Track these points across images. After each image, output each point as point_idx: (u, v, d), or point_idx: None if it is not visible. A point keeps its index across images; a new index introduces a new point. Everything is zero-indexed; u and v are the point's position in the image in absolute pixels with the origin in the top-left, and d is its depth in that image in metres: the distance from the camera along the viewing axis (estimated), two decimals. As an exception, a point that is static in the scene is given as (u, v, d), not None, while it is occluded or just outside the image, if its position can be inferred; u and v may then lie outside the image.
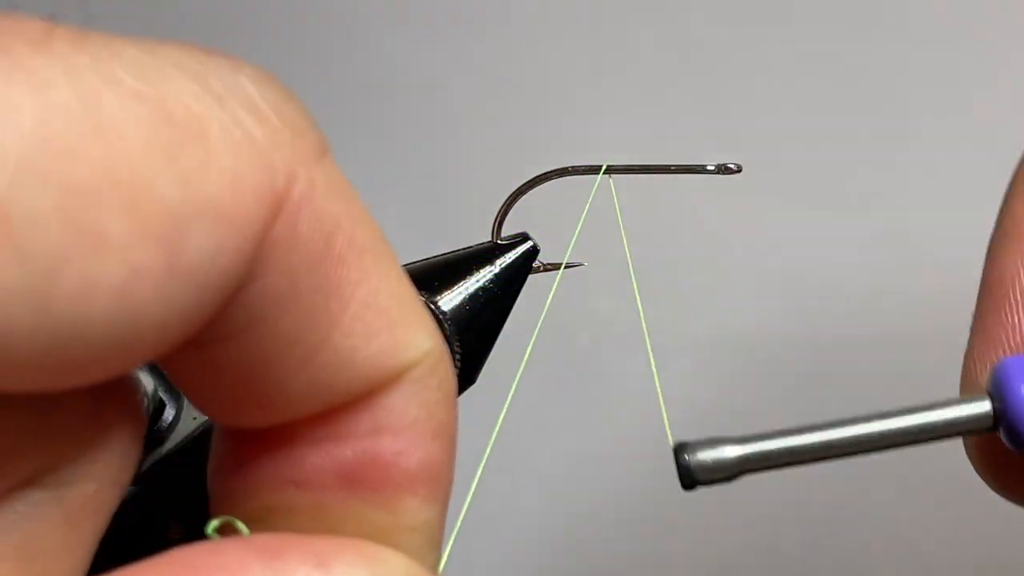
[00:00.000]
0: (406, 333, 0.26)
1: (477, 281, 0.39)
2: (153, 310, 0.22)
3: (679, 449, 0.30)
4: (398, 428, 0.26)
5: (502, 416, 0.32)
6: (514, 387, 0.34)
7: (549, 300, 0.41)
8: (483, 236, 0.40)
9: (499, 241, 0.40)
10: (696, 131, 0.80)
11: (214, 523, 0.27)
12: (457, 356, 0.37)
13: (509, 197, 0.40)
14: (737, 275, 0.79)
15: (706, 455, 0.30)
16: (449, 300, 0.38)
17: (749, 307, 0.79)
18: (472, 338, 0.38)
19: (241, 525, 0.26)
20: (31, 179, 0.20)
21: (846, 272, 0.78)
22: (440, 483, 0.28)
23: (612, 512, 0.81)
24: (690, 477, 0.30)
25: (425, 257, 0.40)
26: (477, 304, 0.39)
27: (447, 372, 0.27)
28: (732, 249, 0.79)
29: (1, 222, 0.19)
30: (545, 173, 0.40)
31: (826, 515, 0.79)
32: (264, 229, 0.23)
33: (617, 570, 0.82)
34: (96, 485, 0.27)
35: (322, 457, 0.26)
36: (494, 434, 0.36)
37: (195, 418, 0.40)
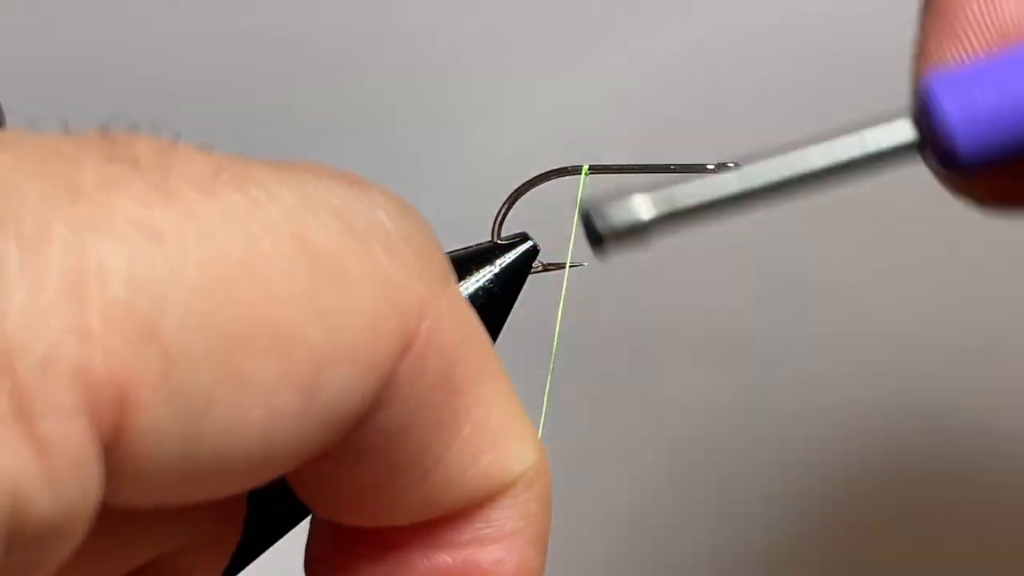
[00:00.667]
0: (512, 449, 0.27)
1: (477, 281, 0.39)
2: (286, 446, 0.22)
3: (588, 211, 0.28)
4: (498, 538, 0.27)
5: (541, 422, 0.32)
6: (545, 394, 0.34)
7: (561, 303, 0.41)
8: (483, 236, 0.40)
9: (499, 241, 0.40)
10: (697, 131, 0.80)
11: None
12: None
13: (509, 197, 0.40)
14: (737, 275, 0.79)
15: (616, 212, 0.28)
16: (449, 300, 0.38)
17: (749, 307, 0.79)
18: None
19: None
20: (192, 323, 0.21)
21: (846, 271, 0.78)
22: None
23: (612, 511, 0.81)
24: (598, 237, 0.28)
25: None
26: (477, 304, 0.39)
27: (547, 483, 0.29)
28: (732, 249, 0.79)
29: (164, 364, 0.20)
30: (545, 173, 0.40)
31: (824, 514, 0.79)
32: (395, 367, 0.23)
33: (617, 570, 0.82)
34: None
35: (422, 562, 0.27)
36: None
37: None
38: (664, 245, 0.79)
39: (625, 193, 0.28)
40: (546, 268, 0.41)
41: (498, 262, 0.39)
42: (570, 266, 0.41)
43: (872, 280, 0.78)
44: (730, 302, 0.79)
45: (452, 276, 0.26)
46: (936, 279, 0.78)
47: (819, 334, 0.78)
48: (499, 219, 0.40)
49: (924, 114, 0.29)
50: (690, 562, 0.79)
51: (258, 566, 0.41)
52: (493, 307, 0.39)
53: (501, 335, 0.40)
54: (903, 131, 0.29)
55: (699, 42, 0.80)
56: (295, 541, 0.41)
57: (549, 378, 0.42)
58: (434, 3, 0.83)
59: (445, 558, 0.27)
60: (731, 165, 0.38)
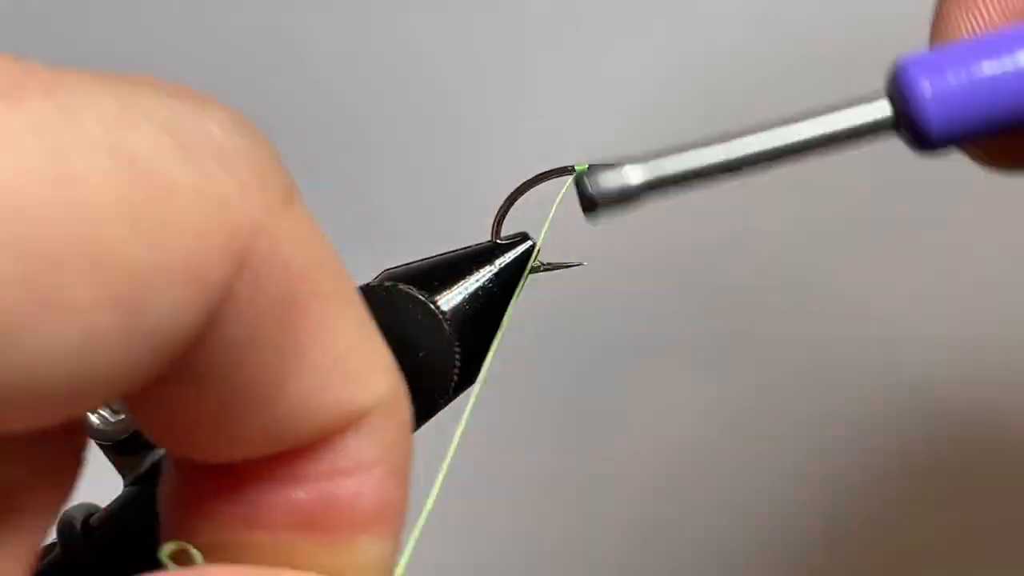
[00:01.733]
0: (364, 378, 0.26)
1: (477, 281, 0.39)
2: (109, 367, 0.21)
3: (580, 177, 0.30)
4: (354, 471, 0.26)
5: (460, 430, 0.32)
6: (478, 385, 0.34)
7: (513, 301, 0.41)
8: (483, 236, 0.40)
9: (499, 241, 0.40)
10: (698, 129, 0.79)
11: (168, 548, 0.26)
12: (456, 356, 0.37)
13: (509, 196, 0.40)
14: (737, 274, 0.79)
15: (607, 178, 0.30)
16: (448, 300, 0.38)
17: (751, 307, 0.79)
18: (471, 338, 0.38)
19: (196, 553, 0.26)
20: None
21: (847, 272, 0.78)
22: (394, 521, 0.28)
23: (613, 512, 0.81)
24: (591, 202, 0.30)
25: (425, 257, 0.40)
26: (476, 304, 0.39)
27: (404, 414, 0.28)
28: (732, 248, 0.79)
29: None
30: (545, 172, 0.40)
31: (827, 514, 0.78)
32: (228, 286, 0.23)
33: (617, 571, 0.82)
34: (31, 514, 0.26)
35: (277, 498, 0.26)
36: (457, 433, 0.37)
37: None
38: (665, 245, 0.79)
39: (617, 161, 0.30)
40: (546, 268, 0.41)
41: (498, 262, 0.39)
42: (570, 266, 0.41)
43: (873, 280, 0.78)
44: (731, 302, 0.79)
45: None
46: (938, 278, 0.78)
47: (820, 334, 0.78)
48: (499, 218, 0.40)
49: (899, 95, 0.30)
50: (691, 561, 0.79)
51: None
52: (493, 307, 0.39)
53: (501, 335, 0.40)
54: (881, 110, 0.30)
55: (698, 39, 0.80)
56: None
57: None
58: (435, 9, 0.83)
59: (301, 493, 0.26)
60: (731, 164, 0.38)
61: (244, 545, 0.26)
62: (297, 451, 0.26)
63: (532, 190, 0.40)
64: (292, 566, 0.26)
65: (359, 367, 0.26)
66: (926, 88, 0.29)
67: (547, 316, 0.76)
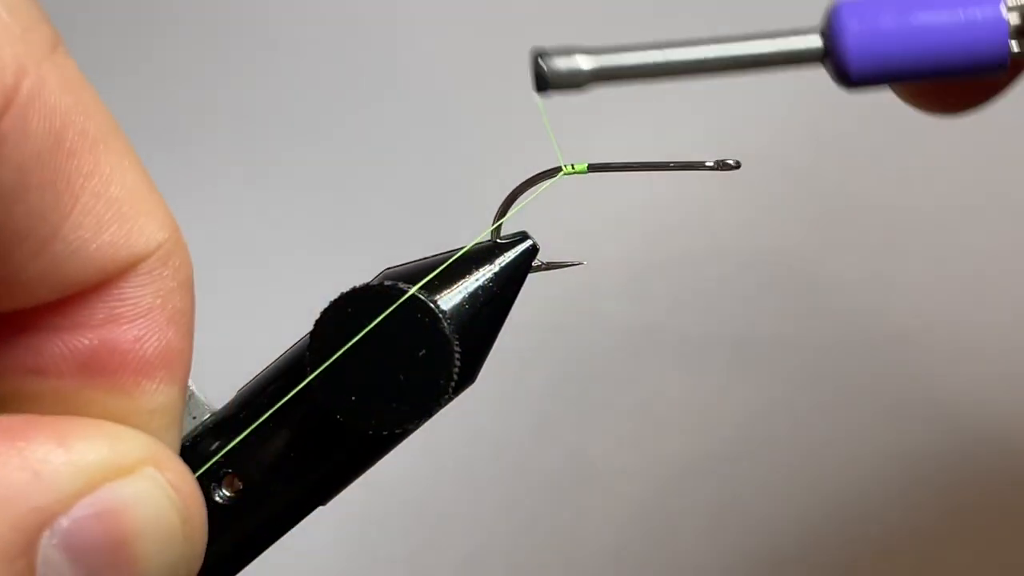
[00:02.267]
0: (139, 224, 0.27)
1: (476, 280, 0.39)
2: None
3: (537, 56, 0.32)
4: (134, 316, 0.27)
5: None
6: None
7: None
8: (483, 235, 0.40)
9: (498, 240, 0.40)
10: (698, 129, 0.80)
11: None
12: (457, 355, 0.37)
13: (508, 196, 0.40)
14: (737, 274, 0.79)
15: (560, 62, 0.32)
16: (449, 299, 0.38)
17: (749, 306, 0.79)
18: (472, 337, 0.38)
19: None
20: None
21: (846, 271, 0.78)
22: (177, 367, 0.29)
23: (612, 512, 0.81)
24: (544, 80, 0.32)
25: (425, 257, 0.40)
26: (477, 303, 0.39)
27: (182, 261, 0.28)
28: (732, 248, 0.79)
29: None
30: (544, 172, 0.40)
31: (828, 514, 0.79)
32: None
33: (616, 569, 0.82)
34: None
35: (60, 346, 0.27)
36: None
37: (195, 417, 0.40)
38: (665, 245, 0.78)
39: (570, 49, 0.32)
40: (546, 267, 0.41)
41: (498, 262, 0.39)
42: (570, 266, 0.41)
43: (873, 280, 0.78)
44: (730, 302, 0.79)
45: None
46: (938, 276, 0.78)
47: (820, 334, 0.78)
48: (499, 218, 0.40)
49: (829, 30, 0.33)
50: (691, 561, 0.79)
51: (258, 566, 0.41)
52: (493, 307, 0.39)
53: (501, 335, 0.40)
54: (813, 42, 0.34)
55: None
56: (296, 541, 0.41)
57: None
58: (437, 11, 0.83)
59: (83, 340, 0.27)
60: (731, 163, 0.39)
61: (30, 394, 0.27)
62: (77, 298, 0.27)
63: (530, 191, 0.40)
64: (79, 413, 0.27)
65: (133, 213, 0.26)
66: (853, 27, 0.32)
67: (547, 316, 0.76)
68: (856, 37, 0.32)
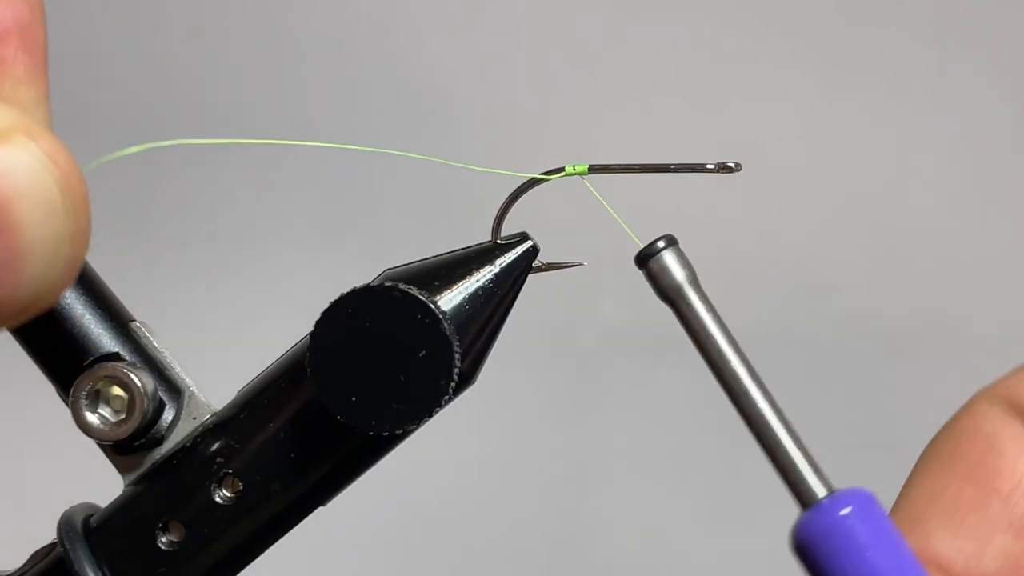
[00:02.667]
0: None
1: (477, 281, 0.39)
2: None
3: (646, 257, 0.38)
4: None
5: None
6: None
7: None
8: (483, 236, 0.40)
9: (499, 241, 0.40)
10: (698, 129, 0.80)
11: None
12: (457, 356, 0.37)
13: (509, 197, 0.40)
14: (737, 275, 0.79)
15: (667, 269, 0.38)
16: (449, 300, 0.38)
17: (749, 306, 0.79)
18: (472, 338, 0.38)
19: None
20: None
21: (846, 271, 0.78)
22: (31, 36, 0.29)
23: (612, 511, 0.81)
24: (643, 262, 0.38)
25: (425, 257, 0.40)
26: (477, 304, 0.39)
27: None
28: (732, 248, 0.79)
29: None
30: (543, 173, 0.40)
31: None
32: None
33: (618, 568, 0.82)
34: None
35: None
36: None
37: (195, 418, 0.40)
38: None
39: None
40: (546, 267, 0.41)
41: (498, 262, 0.39)
42: (570, 266, 0.41)
43: (874, 280, 0.78)
44: (731, 302, 0.79)
45: None
46: (938, 277, 0.78)
47: (820, 334, 0.78)
48: (499, 219, 0.40)
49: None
50: (691, 560, 0.79)
51: (259, 565, 0.41)
52: (493, 307, 0.39)
53: (501, 335, 0.40)
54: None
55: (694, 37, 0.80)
56: (295, 542, 0.41)
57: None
58: (437, 4, 0.83)
59: None
60: (732, 165, 0.39)
61: None
62: None
63: (532, 190, 0.40)
64: None
65: None
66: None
67: (547, 316, 0.76)
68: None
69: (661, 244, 0.38)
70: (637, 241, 0.39)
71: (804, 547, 0.36)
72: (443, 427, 0.41)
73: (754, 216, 0.78)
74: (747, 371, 0.39)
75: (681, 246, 0.39)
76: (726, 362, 0.39)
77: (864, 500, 0.37)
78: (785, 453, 0.38)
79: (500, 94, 0.82)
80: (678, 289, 0.38)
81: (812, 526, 0.36)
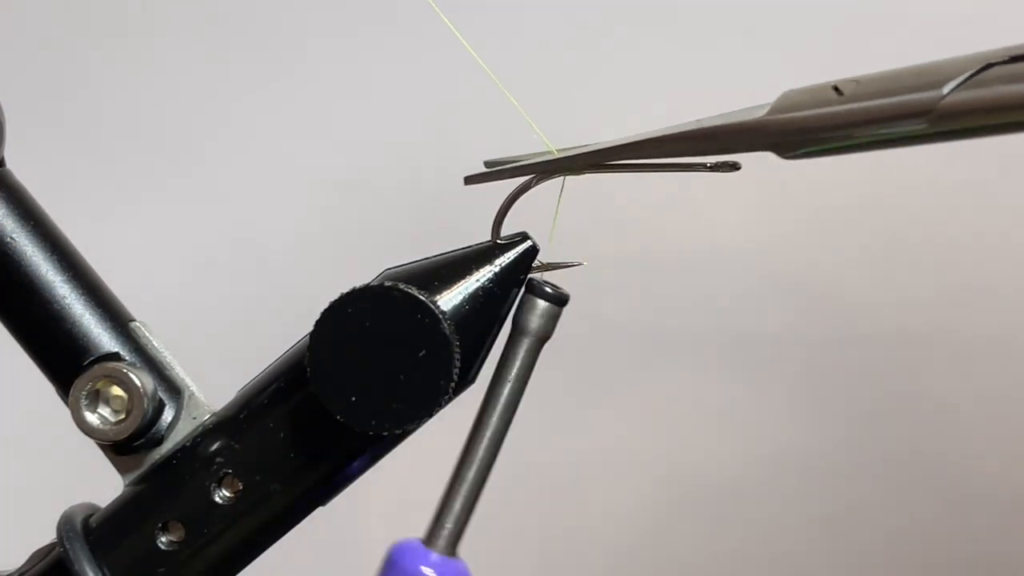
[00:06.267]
0: None
1: (477, 281, 0.39)
2: None
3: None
4: None
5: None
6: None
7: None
8: (483, 236, 0.40)
9: (499, 241, 0.40)
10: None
11: None
12: (456, 355, 0.37)
13: (508, 197, 0.40)
14: (737, 275, 0.79)
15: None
16: (448, 300, 0.38)
17: (749, 306, 0.79)
18: (471, 337, 0.38)
19: None
20: None
21: (846, 271, 0.78)
22: None
23: (612, 511, 0.81)
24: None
25: (425, 257, 0.40)
26: (477, 303, 0.39)
27: None
28: (732, 248, 0.79)
29: None
30: (543, 173, 0.40)
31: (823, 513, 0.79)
32: None
33: (616, 570, 0.82)
34: None
35: None
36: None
37: (194, 418, 0.40)
38: (665, 246, 0.78)
39: None
40: (546, 267, 0.41)
41: (498, 262, 0.39)
42: (570, 266, 0.41)
43: (873, 280, 0.78)
44: (730, 302, 0.79)
45: None
46: (937, 277, 0.78)
47: (820, 334, 0.78)
48: (498, 219, 0.40)
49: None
50: (691, 559, 0.79)
51: (258, 566, 0.41)
52: (493, 307, 0.39)
53: (501, 335, 0.40)
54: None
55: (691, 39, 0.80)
56: (295, 541, 0.41)
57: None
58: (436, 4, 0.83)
59: None
60: (731, 164, 0.39)
61: None
62: None
63: (532, 190, 0.40)
64: None
65: None
66: None
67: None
68: None
69: (549, 290, 0.40)
70: (583, 261, 0.41)
71: (391, 562, 0.40)
72: (443, 427, 0.41)
73: (753, 216, 0.78)
74: (496, 434, 0.41)
75: (567, 307, 0.40)
76: (493, 415, 0.40)
77: None
78: (462, 498, 0.41)
79: (500, 94, 0.82)
80: (523, 332, 0.40)
81: (407, 556, 0.40)
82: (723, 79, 0.78)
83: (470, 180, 0.41)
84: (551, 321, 0.40)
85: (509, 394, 0.40)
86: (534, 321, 0.40)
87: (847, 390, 0.78)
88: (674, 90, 0.79)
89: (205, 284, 0.83)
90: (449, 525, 0.40)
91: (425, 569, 0.39)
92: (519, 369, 0.40)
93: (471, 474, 0.40)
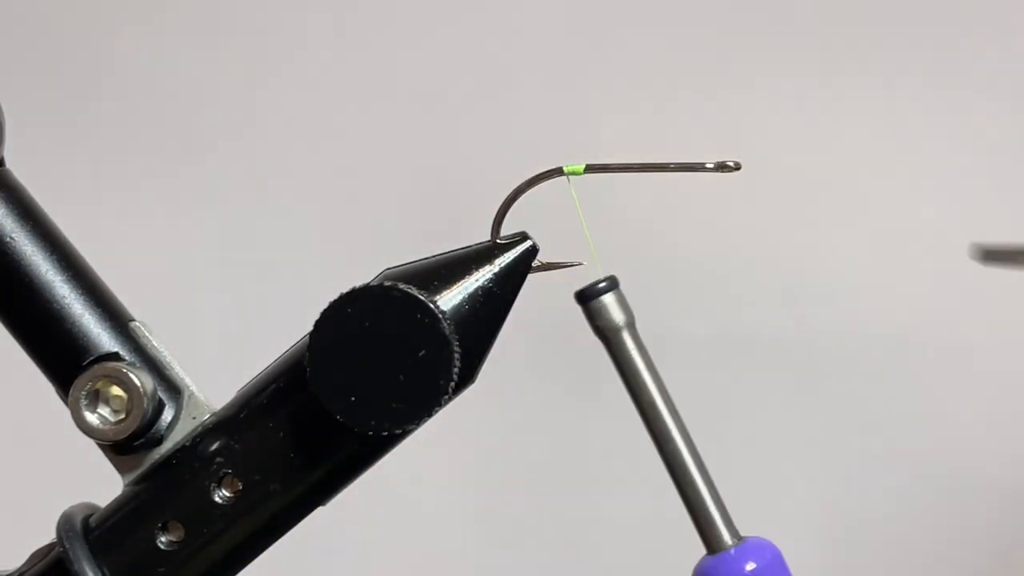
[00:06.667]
0: None
1: (476, 280, 0.39)
2: None
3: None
4: None
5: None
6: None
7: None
8: (482, 235, 0.40)
9: (498, 240, 0.40)
10: (697, 129, 0.80)
11: None
12: (456, 355, 0.36)
13: (508, 196, 0.40)
14: (737, 275, 0.79)
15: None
16: (448, 299, 0.38)
17: (750, 307, 0.79)
18: (471, 337, 0.38)
19: None
20: None
21: (846, 272, 0.78)
22: None
23: (613, 511, 0.81)
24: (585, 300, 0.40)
25: (425, 256, 0.40)
26: (476, 303, 0.39)
27: None
28: (732, 248, 0.79)
29: None
30: (542, 173, 0.40)
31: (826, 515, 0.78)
32: None
33: (615, 570, 0.82)
34: None
35: None
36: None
37: (194, 417, 0.40)
38: (665, 246, 0.78)
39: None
40: (546, 267, 0.40)
41: (497, 261, 0.39)
42: (570, 266, 0.41)
43: (873, 280, 0.78)
44: (730, 302, 0.79)
45: None
46: (937, 278, 0.78)
47: (819, 333, 0.78)
48: (498, 218, 0.40)
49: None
50: (691, 559, 0.79)
51: (258, 565, 0.41)
52: (493, 307, 0.39)
53: (501, 334, 0.40)
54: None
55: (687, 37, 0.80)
56: (295, 541, 0.41)
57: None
58: (436, 4, 0.83)
59: None
60: (731, 164, 0.39)
61: None
62: None
63: (531, 190, 0.40)
64: None
65: None
66: None
67: (547, 316, 0.76)
68: None
69: (603, 285, 0.39)
70: (597, 263, 0.40)
71: None
72: (442, 426, 0.41)
73: (753, 216, 0.78)
74: (672, 418, 0.41)
75: (622, 289, 0.40)
76: (655, 408, 0.40)
77: (771, 556, 0.39)
78: (699, 497, 0.40)
79: (499, 91, 0.82)
80: (615, 332, 0.39)
81: (715, 571, 0.38)
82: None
83: (987, 257, 0.41)
84: (623, 304, 0.40)
85: (654, 387, 0.40)
86: (614, 315, 0.40)
87: (847, 390, 0.78)
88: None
89: (205, 284, 0.83)
90: (714, 519, 0.40)
91: (748, 566, 0.39)
92: (640, 361, 0.40)
93: (689, 467, 0.41)
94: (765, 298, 0.79)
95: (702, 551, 0.41)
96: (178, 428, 0.40)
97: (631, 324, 0.40)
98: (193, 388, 0.40)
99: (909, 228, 0.78)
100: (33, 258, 0.40)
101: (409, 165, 0.82)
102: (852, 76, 0.78)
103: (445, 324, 0.36)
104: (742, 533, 0.41)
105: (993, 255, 0.41)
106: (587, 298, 0.39)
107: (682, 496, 0.40)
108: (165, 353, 0.41)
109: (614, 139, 0.79)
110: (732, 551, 0.39)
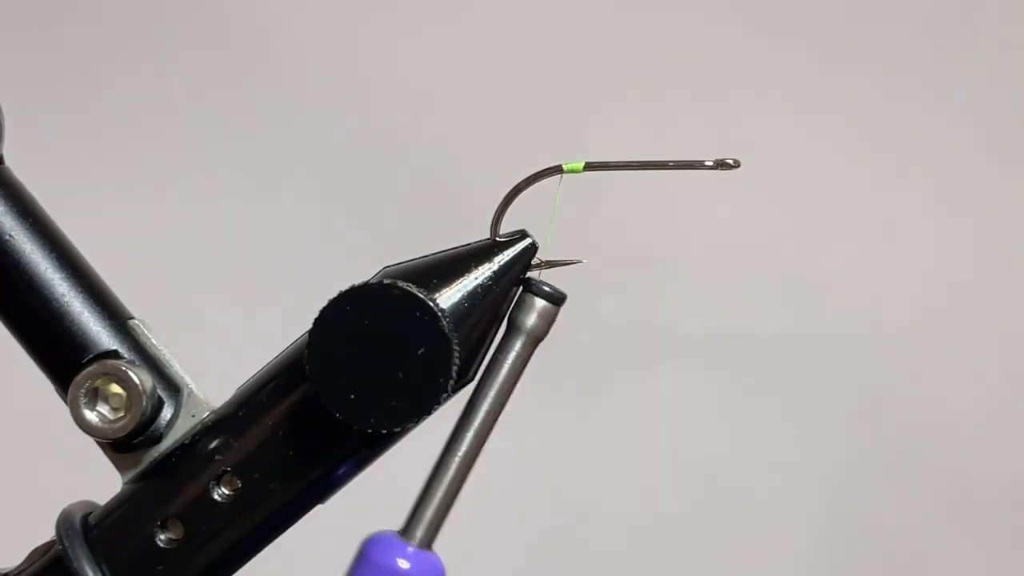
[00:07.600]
0: None
1: (476, 278, 0.39)
2: None
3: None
4: None
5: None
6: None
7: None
8: (482, 233, 0.40)
9: (498, 238, 0.40)
10: (697, 129, 0.80)
11: None
12: (456, 353, 0.36)
13: (508, 194, 0.40)
14: (737, 275, 0.79)
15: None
16: (447, 297, 0.38)
17: (749, 307, 0.79)
18: (470, 335, 0.38)
19: None
20: None
21: (846, 271, 0.78)
22: None
23: (613, 512, 0.81)
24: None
25: (424, 254, 0.40)
26: (476, 301, 0.39)
27: None
28: (732, 248, 0.79)
29: None
30: (542, 171, 0.40)
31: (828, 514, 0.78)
32: None
33: (616, 570, 0.82)
34: None
35: None
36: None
37: (193, 415, 0.40)
38: (665, 246, 0.78)
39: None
40: (546, 265, 0.40)
41: (497, 259, 0.39)
42: (570, 264, 0.41)
43: (872, 280, 0.78)
44: (730, 302, 0.79)
45: None
46: (936, 278, 0.78)
47: (819, 334, 0.78)
48: (497, 216, 0.40)
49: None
50: (691, 560, 0.79)
51: (258, 564, 0.41)
52: (492, 304, 0.39)
53: (500, 334, 0.40)
54: None
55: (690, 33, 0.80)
56: (295, 541, 0.41)
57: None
58: (436, 4, 0.83)
59: None
60: (731, 162, 0.38)
61: None
62: None
63: (527, 189, 0.40)
64: None
65: None
66: None
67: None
68: None
69: (552, 293, 0.39)
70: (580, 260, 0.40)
71: (365, 554, 0.39)
72: (442, 426, 0.41)
73: (753, 214, 0.78)
74: (483, 434, 0.40)
75: (565, 307, 0.40)
76: (483, 417, 0.40)
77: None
78: (442, 497, 0.40)
79: (498, 91, 0.82)
80: (522, 334, 0.39)
81: (385, 547, 0.39)
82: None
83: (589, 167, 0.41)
84: (547, 321, 0.39)
85: (498, 391, 0.39)
86: (530, 320, 0.39)
87: (847, 390, 0.78)
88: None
89: (205, 282, 0.83)
90: (428, 518, 0.40)
91: (400, 561, 0.38)
92: (510, 367, 0.39)
93: (453, 468, 0.40)
94: (765, 298, 0.79)
95: (702, 551, 0.41)
96: (177, 426, 0.40)
97: (537, 340, 0.40)
98: (192, 386, 0.40)
99: (909, 228, 0.78)
100: (32, 256, 0.40)
101: (409, 164, 0.82)
102: (852, 76, 0.78)
103: (444, 322, 0.36)
104: (737, 536, 0.41)
105: (594, 165, 0.41)
106: (531, 289, 0.39)
107: (428, 483, 0.40)
108: (164, 351, 0.41)
109: (614, 137, 0.79)
110: (412, 548, 0.39)
